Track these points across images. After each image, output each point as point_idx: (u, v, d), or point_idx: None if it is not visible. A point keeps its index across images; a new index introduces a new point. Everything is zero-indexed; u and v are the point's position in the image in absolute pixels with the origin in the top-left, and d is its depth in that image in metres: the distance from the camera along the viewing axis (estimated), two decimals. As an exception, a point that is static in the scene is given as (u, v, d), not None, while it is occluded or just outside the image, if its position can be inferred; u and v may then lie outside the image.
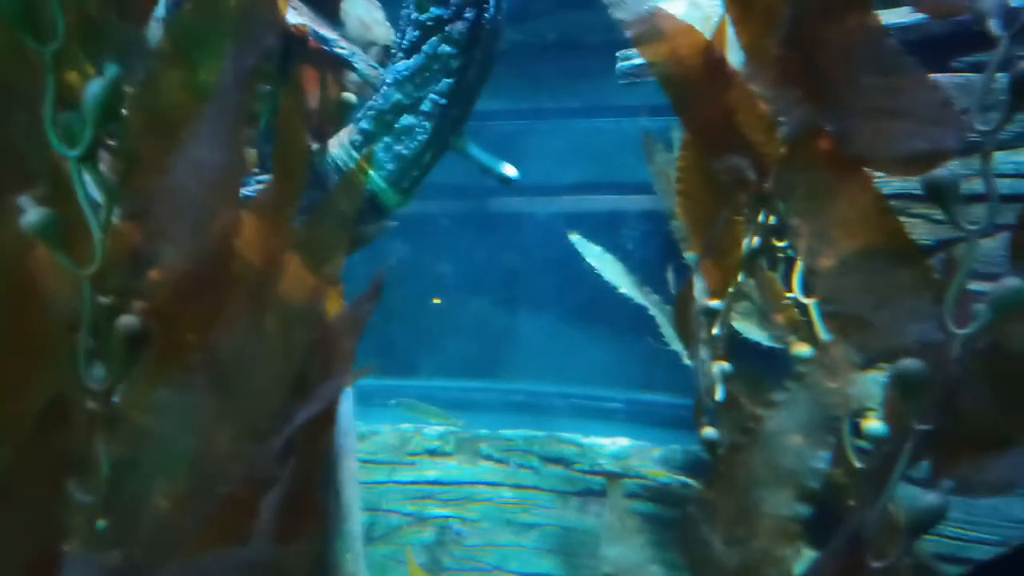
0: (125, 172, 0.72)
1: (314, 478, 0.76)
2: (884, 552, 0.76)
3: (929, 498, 0.73)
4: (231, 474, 0.67)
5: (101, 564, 0.69)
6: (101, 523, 0.71)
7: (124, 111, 0.70)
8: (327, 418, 0.77)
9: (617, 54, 2.11)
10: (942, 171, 0.76)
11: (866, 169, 0.89)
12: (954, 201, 0.75)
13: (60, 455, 0.66)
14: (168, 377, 0.72)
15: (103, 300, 0.71)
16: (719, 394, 1.23)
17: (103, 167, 0.72)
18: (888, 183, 1.47)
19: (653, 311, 2.01)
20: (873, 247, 0.85)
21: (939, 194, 0.75)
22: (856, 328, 0.84)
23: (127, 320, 0.70)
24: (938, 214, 1.47)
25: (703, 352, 1.25)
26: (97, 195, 0.71)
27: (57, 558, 0.68)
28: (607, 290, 2.25)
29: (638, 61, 2.06)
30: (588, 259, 1.97)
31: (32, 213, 0.69)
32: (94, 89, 0.66)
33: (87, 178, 0.70)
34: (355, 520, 1.61)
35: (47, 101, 0.66)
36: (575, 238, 1.98)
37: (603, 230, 2.47)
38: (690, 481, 2.06)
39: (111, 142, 0.74)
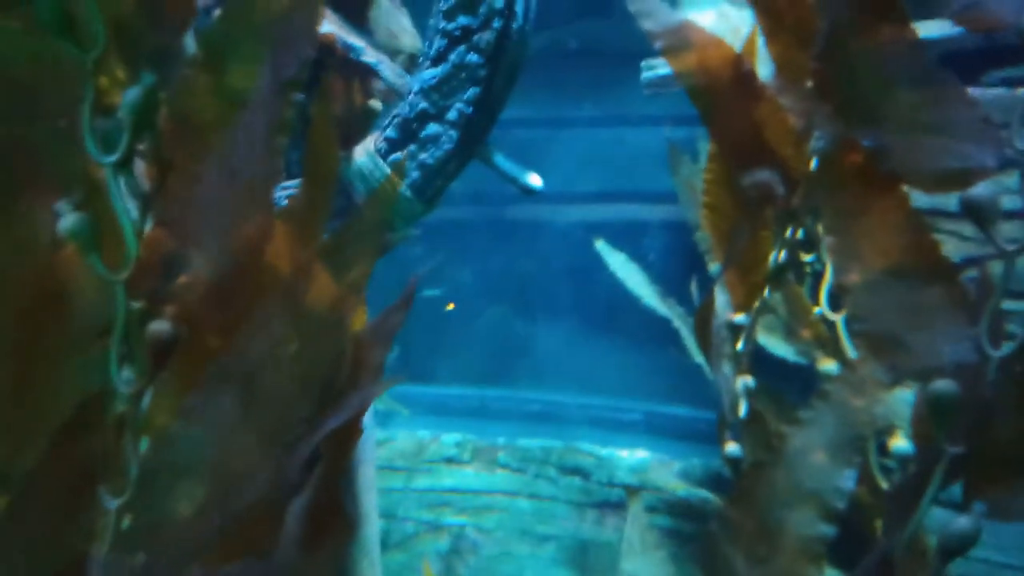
0: (159, 179, 0.72)
1: (340, 486, 0.77)
2: (919, 573, 0.74)
3: (961, 522, 0.72)
4: (257, 481, 0.67)
5: (127, 568, 0.70)
6: (127, 526, 0.71)
7: (159, 118, 0.71)
8: (354, 427, 0.77)
9: (641, 64, 2.11)
10: (981, 189, 0.75)
11: (899, 184, 0.87)
12: (993, 220, 0.73)
13: (89, 458, 0.66)
14: (196, 382, 0.72)
15: (134, 305, 0.72)
16: (742, 410, 1.22)
17: (136, 173, 0.73)
18: (916, 199, 1.45)
19: (677, 323, 1.99)
20: (906, 264, 0.84)
21: (978, 213, 0.74)
22: (888, 347, 0.83)
23: (158, 325, 0.71)
24: (967, 231, 1.46)
25: (726, 367, 1.24)
26: (130, 201, 0.72)
27: (84, 560, 0.69)
28: (627, 300, 2.24)
29: (663, 71, 2.06)
30: (612, 267, 1.96)
31: (68, 218, 0.69)
32: (131, 96, 0.67)
33: (120, 184, 0.70)
34: (372, 527, 1.61)
35: (85, 108, 0.67)
36: (600, 244, 1.98)
37: (624, 240, 2.46)
38: (710, 496, 2.04)
39: (144, 148, 0.75)
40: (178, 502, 0.69)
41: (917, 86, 0.81)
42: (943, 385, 0.73)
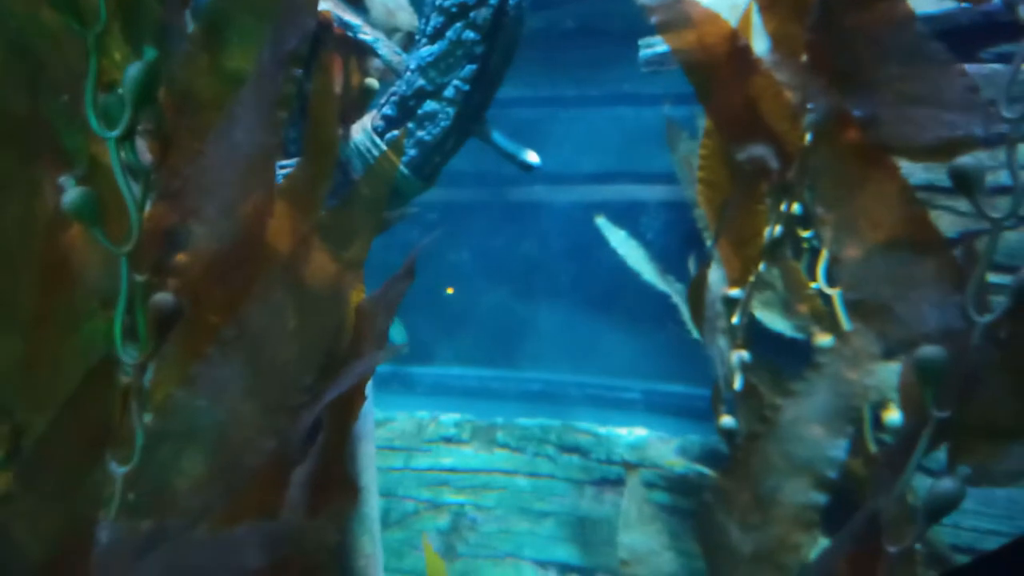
0: (161, 154, 0.73)
1: (344, 452, 0.78)
2: (900, 537, 0.76)
3: (946, 484, 0.73)
4: (260, 447, 0.69)
5: (133, 532, 0.71)
6: (134, 493, 0.73)
7: (161, 92, 0.72)
8: (357, 395, 0.79)
9: (639, 42, 2.11)
10: (967, 158, 0.76)
11: (892, 158, 0.88)
12: (978, 189, 0.75)
13: (96, 425, 0.68)
14: (199, 353, 0.74)
15: (138, 277, 0.73)
16: (737, 383, 1.23)
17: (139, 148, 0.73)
18: (913, 174, 1.45)
19: (676, 299, 2.01)
20: (898, 236, 0.85)
21: (964, 181, 0.75)
22: (878, 316, 0.84)
23: (162, 297, 0.72)
24: (963, 206, 1.47)
25: (721, 341, 1.25)
26: (133, 176, 0.73)
27: (92, 524, 0.70)
28: (625, 280, 2.25)
29: (660, 49, 2.05)
30: (612, 243, 1.97)
31: (71, 192, 0.70)
32: (133, 72, 0.68)
33: (124, 158, 0.71)
34: (372, 503, 1.63)
35: (88, 83, 0.68)
36: (600, 221, 1.98)
37: (623, 219, 2.47)
38: (708, 472, 2.07)
39: (146, 124, 0.75)
40: (183, 469, 0.71)
41: (908, 58, 0.82)
42: (930, 351, 0.75)
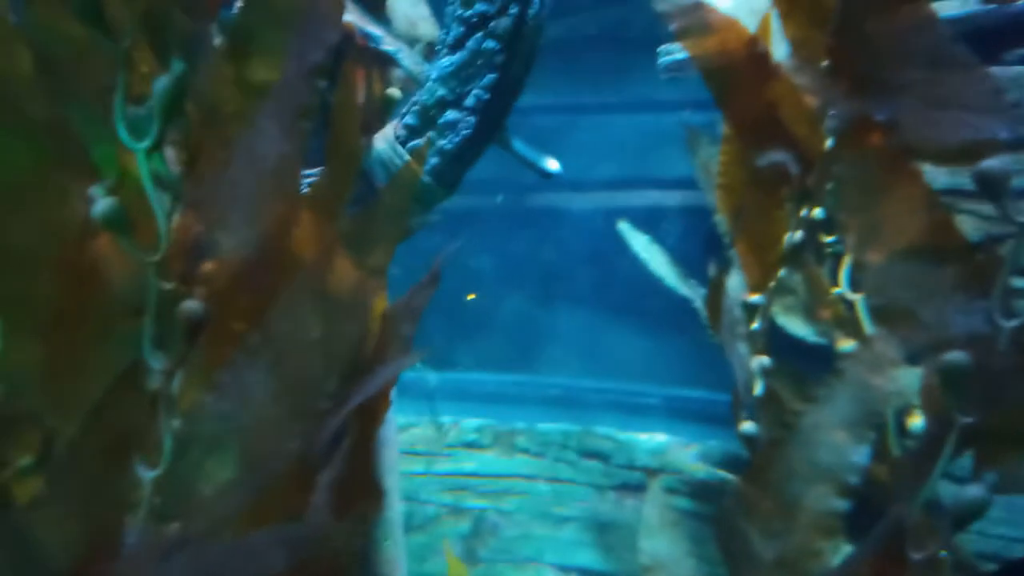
0: (188, 164, 0.75)
1: (369, 458, 0.79)
2: (924, 544, 0.75)
3: (972, 490, 0.73)
4: (285, 452, 0.70)
5: (161, 536, 0.73)
6: (160, 497, 0.74)
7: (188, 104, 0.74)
8: (383, 400, 0.80)
9: (659, 49, 2.11)
10: (993, 161, 0.75)
11: (916, 162, 0.88)
12: (1004, 192, 0.74)
13: (124, 430, 0.69)
14: (226, 359, 0.75)
15: (166, 285, 0.75)
16: (758, 389, 1.23)
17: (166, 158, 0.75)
18: (935, 179, 1.44)
19: (698, 304, 2.00)
20: (923, 241, 0.84)
21: (990, 185, 0.74)
22: (903, 321, 0.84)
23: (190, 304, 0.73)
24: (986, 210, 1.45)
25: (741, 347, 1.25)
26: (161, 186, 0.75)
27: (120, 528, 0.72)
28: (645, 285, 2.24)
29: (680, 56, 2.05)
30: (634, 248, 1.97)
31: (101, 203, 0.72)
32: (161, 85, 0.70)
33: (152, 169, 0.73)
34: (394, 508, 1.64)
35: (118, 95, 0.70)
36: (623, 225, 1.98)
37: (643, 225, 2.46)
38: (729, 476, 2.05)
39: (174, 135, 0.77)
40: (210, 473, 0.72)
41: (932, 61, 0.82)
42: (956, 356, 0.74)
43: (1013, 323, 0.73)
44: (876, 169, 0.90)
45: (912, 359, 1.42)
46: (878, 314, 0.90)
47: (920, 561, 0.75)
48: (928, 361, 0.81)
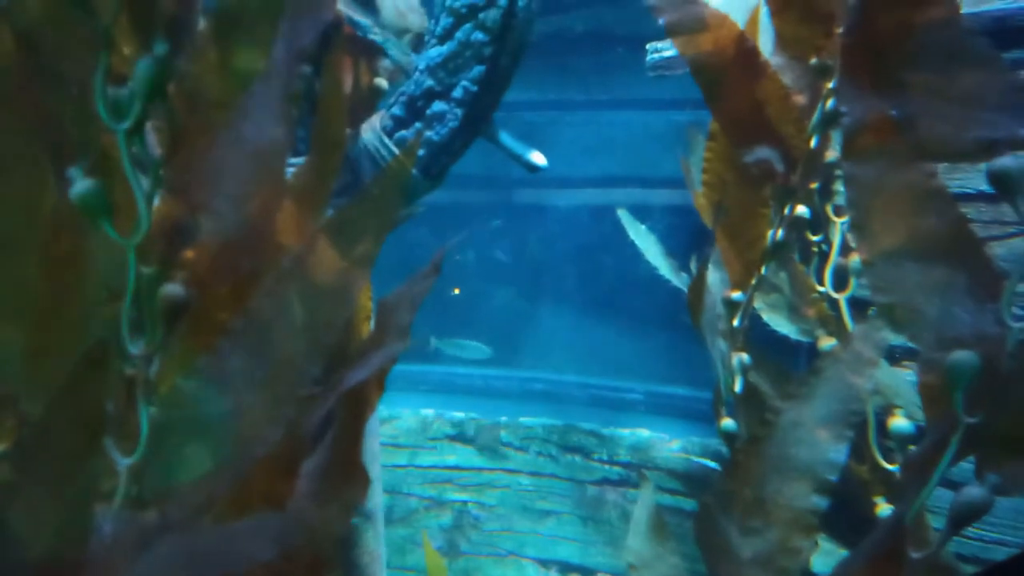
0: (171, 147, 0.74)
1: (358, 445, 0.79)
2: (924, 543, 0.75)
3: (973, 491, 0.72)
4: (267, 437, 0.69)
5: (137, 523, 0.72)
6: (138, 484, 0.73)
7: (171, 87, 0.73)
8: (375, 387, 0.79)
9: (647, 46, 2.11)
10: (1009, 159, 0.73)
11: (928, 159, 0.86)
12: (1020, 191, 0.72)
13: (93, 411, 0.68)
14: (208, 344, 0.74)
15: (146, 270, 0.74)
16: (738, 386, 1.23)
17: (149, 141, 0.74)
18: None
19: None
20: (934, 240, 0.83)
21: (1005, 183, 0.73)
22: (910, 319, 0.82)
23: (171, 288, 0.73)
24: (987, 215, 1.45)
25: (721, 343, 1.25)
26: (142, 169, 0.74)
27: (91, 514, 0.71)
28: (630, 281, 2.26)
29: (668, 54, 2.06)
30: (632, 235, 1.98)
31: (80, 184, 0.71)
32: (144, 65, 0.69)
33: (133, 152, 0.72)
34: (376, 499, 1.64)
35: (98, 76, 0.69)
36: (622, 212, 1.99)
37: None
38: (709, 471, 2.07)
39: (157, 119, 0.76)
40: (189, 459, 0.72)
41: (949, 57, 0.80)
42: (963, 355, 0.73)
43: (1022, 324, 0.72)
44: (886, 164, 0.88)
45: (892, 358, 1.43)
46: (884, 311, 0.88)
47: (918, 560, 0.75)
48: (929, 361, 0.80)
